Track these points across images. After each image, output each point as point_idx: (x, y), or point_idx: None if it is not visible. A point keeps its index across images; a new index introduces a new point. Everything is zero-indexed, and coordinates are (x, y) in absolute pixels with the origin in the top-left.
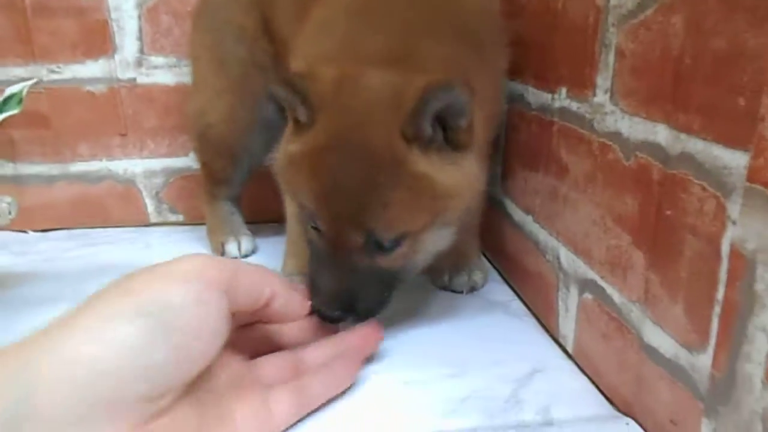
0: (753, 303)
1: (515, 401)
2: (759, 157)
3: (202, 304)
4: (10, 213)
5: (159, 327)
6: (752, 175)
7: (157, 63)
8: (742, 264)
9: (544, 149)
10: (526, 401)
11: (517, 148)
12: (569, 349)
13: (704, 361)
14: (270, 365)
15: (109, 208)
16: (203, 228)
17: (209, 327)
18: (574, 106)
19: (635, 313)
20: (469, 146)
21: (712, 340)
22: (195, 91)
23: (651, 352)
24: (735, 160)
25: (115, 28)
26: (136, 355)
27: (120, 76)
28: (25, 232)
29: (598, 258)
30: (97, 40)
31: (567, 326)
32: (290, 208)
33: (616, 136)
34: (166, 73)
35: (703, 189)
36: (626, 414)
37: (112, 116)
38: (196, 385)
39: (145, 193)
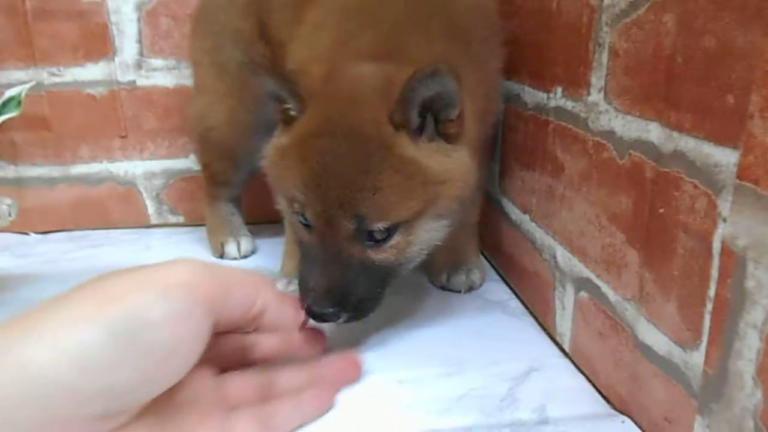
0: (744, 300)
1: (511, 400)
2: (748, 155)
3: (182, 320)
4: (10, 215)
5: (130, 345)
6: (742, 172)
7: (157, 65)
8: (733, 261)
9: (540, 148)
10: (522, 400)
11: (514, 148)
12: (566, 348)
13: (697, 358)
14: (238, 384)
15: (109, 210)
16: (204, 229)
17: (185, 346)
18: (569, 105)
19: (630, 311)
20: (460, 138)
21: (705, 338)
22: (196, 94)
23: (645, 350)
24: (725, 158)
25: (115, 31)
26: (97, 372)
27: (120, 78)
28: (26, 233)
29: (594, 256)
30: (97, 43)
31: (564, 325)
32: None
33: (610, 134)
34: (165, 75)
35: (695, 187)
36: (622, 412)
37: (113, 118)
38: (158, 401)
39: (145, 195)
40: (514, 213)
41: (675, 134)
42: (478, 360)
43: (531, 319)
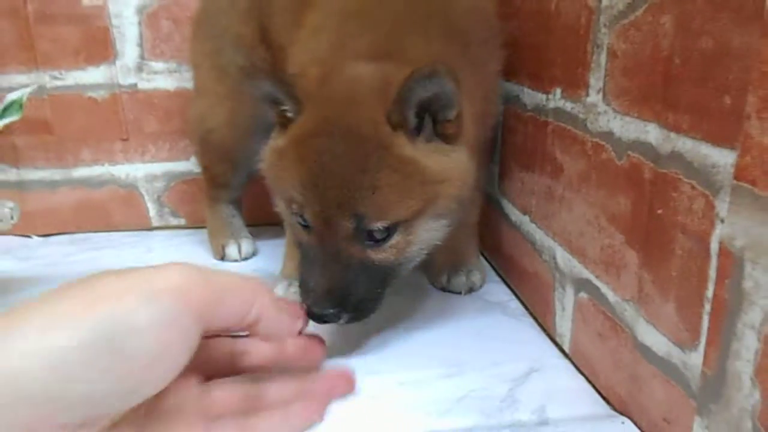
0: (741, 301)
1: (511, 401)
2: (745, 155)
3: (169, 327)
4: (12, 218)
5: (113, 352)
6: (739, 173)
7: (158, 68)
8: (731, 262)
9: (539, 150)
10: (522, 401)
11: (513, 149)
12: (566, 349)
13: (696, 359)
14: (224, 393)
15: (111, 213)
16: (205, 231)
17: (171, 354)
18: (568, 106)
19: (629, 312)
20: (459, 138)
21: (703, 339)
22: (196, 97)
23: (644, 350)
24: (723, 159)
25: (116, 35)
26: (74, 378)
27: (121, 81)
28: (28, 236)
29: (593, 257)
30: (99, 46)
31: (564, 326)
32: None
33: (608, 135)
34: (166, 78)
35: (693, 187)
36: (621, 413)
37: (114, 121)
38: (138, 409)
39: (146, 197)
40: (514, 214)
41: (673, 135)
42: (478, 361)
43: (531, 320)
